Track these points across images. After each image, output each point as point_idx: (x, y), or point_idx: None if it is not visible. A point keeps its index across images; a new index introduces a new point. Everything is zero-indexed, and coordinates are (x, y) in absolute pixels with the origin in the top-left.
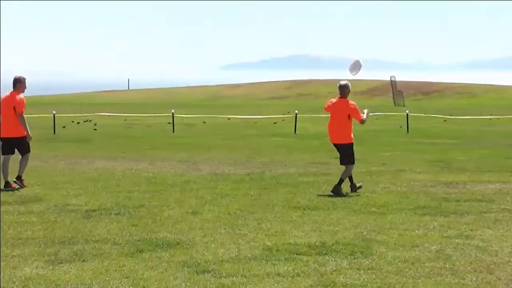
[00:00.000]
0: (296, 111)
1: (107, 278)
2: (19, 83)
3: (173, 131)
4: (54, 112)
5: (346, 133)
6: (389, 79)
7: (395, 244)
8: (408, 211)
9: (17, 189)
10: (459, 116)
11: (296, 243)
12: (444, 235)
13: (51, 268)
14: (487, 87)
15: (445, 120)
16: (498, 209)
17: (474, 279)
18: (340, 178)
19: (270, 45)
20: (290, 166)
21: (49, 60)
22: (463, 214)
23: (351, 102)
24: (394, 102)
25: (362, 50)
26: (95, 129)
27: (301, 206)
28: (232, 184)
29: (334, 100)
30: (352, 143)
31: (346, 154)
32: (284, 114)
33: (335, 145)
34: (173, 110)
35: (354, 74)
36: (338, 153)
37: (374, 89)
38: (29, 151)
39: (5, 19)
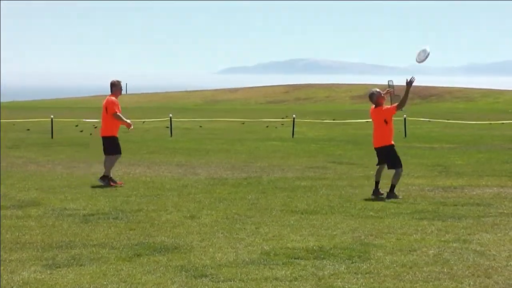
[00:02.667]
0: (294, 115)
1: (105, 283)
2: (114, 87)
3: (171, 135)
4: (52, 116)
5: (384, 136)
6: (387, 83)
7: (392, 248)
8: (406, 215)
9: (114, 187)
10: (458, 121)
11: (294, 247)
12: (442, 239)
13: (49, 272)
14: (484, 92)
15: (452, 125)
16: (496, 213)
17: (472, 283)
18: (392, 184)
19: (268, 49)
20: (288, 170)
21: (47, 64)
22: (461, 218)
23: (384, 107)
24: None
25: (360, 54)
26: (91, 134)
27: (299, 210)
28: (229, 188)
29: (372, 109)
30: (393, 145)
31: (389, 157)
32: (283, 118)
33: (376, 149)
34: (171, 114)
35: (420, 59)
36: (336, 159)
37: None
38: (117, 153)
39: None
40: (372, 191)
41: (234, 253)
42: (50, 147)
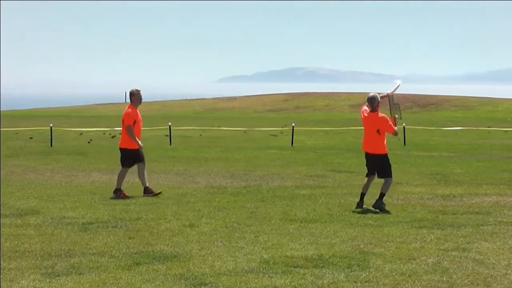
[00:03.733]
0: (293, 124)
1: None
2: (132, 96)
3: (170, 144)
4: (51, 124)
5: (378, 144)
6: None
7: (392, 256)
8: (405, 224)
9: (126, 197)
10: (457, 127)
11: (293, 255)
12: (441, 248)
13: (48, 281)
14: (483, 100)
15: (457, 133)
16: (495, 222)
17: None
18: (381, 193)
19: (267, 58)
20: (287, 179)
21: (45, 73)
22: (460, 227)
23: (380, 114)
24: (391, 115)
25: (359, 63)
26: (89, 142)
27: (298, 219)
28: (229, 197)
29: (366, 113)
30: (386, 154)
31: (382, 166)
32: (283, 127)
33: (366, 154)
34: (170, 123)
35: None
36: (335, 168)
37: None
38: (131, 166)
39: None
40: (356, 203)
41: (233, 262)
42: (49, 155)
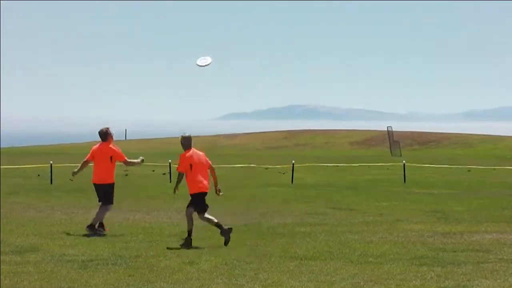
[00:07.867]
0: (293, 161)
1: None
2: (108, 135)
3: (170, 181)
4: (51, 162)
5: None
6: (386, 129)
7: None
8: (405, 261)
9: (99, 234)
10: (457, 165)
11: None
12: (441, 285)
13: None
14: (483, 137)
15: (469, 170)
16: (495, 260)
17: None
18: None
19: (266, 95)
20: (287, 216)
21: (45, 110)
22: (460, 265)
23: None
24: (391, 152)
25: (359, 100)
26: (71, 179)
27: (298, 256)
28: None
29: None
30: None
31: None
32: (284, 165)
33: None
34: (170, 160)
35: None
36: (335, 205)
37: (371, 139)
38: (112, 203)
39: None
40: (187, 242)
41: None
42: (49, 192)
